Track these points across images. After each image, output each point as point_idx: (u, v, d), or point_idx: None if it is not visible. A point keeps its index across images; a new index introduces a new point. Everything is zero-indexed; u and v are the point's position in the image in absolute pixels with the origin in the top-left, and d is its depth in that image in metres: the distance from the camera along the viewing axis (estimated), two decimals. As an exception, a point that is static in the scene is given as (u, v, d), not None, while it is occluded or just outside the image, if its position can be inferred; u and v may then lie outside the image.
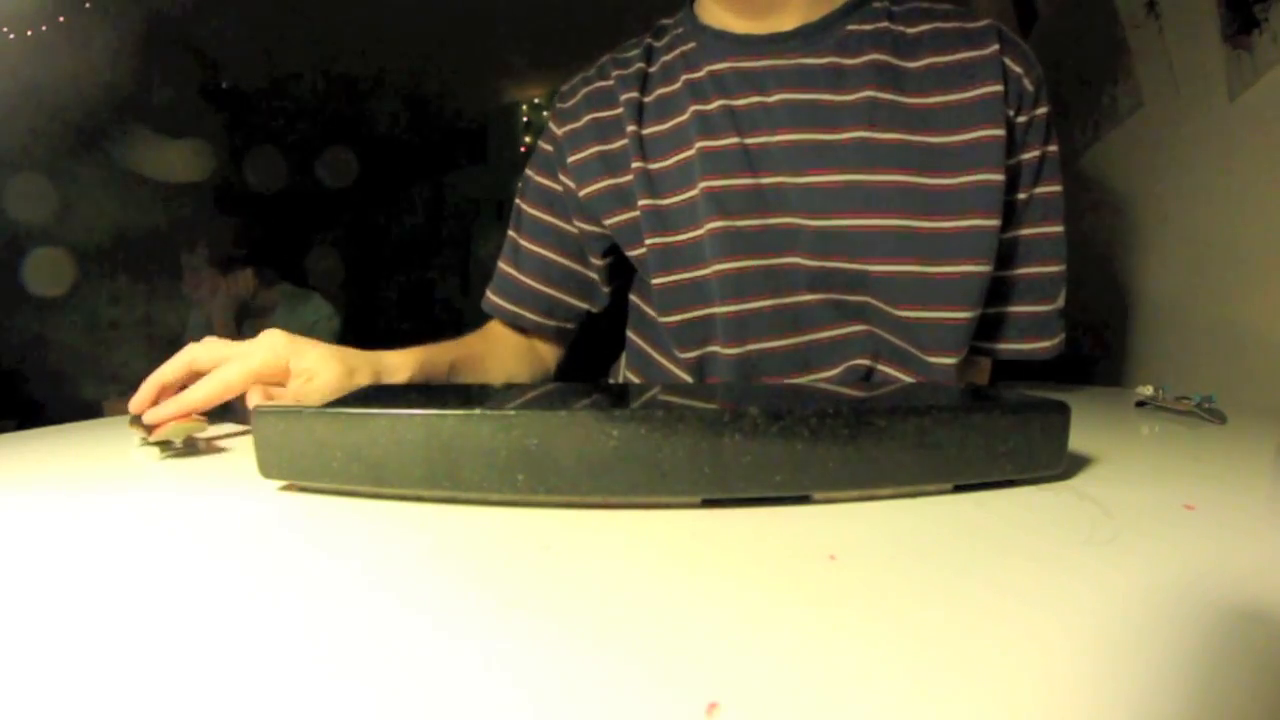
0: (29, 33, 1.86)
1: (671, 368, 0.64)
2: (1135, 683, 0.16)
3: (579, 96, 0.63)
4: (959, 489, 0.30)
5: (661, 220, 0.57)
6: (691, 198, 0.56)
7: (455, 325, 0.86)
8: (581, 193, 0.61)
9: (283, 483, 0.31)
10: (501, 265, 0.68)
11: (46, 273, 1.87)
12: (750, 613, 0.19)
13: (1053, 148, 0.55)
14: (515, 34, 2.70)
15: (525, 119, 3.62)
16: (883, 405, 0.29)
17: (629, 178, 0.58)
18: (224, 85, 2.50)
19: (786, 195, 0.53)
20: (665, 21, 0.64)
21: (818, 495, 0.28)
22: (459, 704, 0.15)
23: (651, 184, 0.57)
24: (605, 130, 0.60)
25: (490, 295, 0.69)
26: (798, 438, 0.27)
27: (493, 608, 0.19)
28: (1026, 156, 0.54)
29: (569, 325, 0.69)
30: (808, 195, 0.53)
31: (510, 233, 0.68)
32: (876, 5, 0.56)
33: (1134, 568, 0.22)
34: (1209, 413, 0.52)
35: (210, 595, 0.20)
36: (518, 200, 0.68)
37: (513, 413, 0.27)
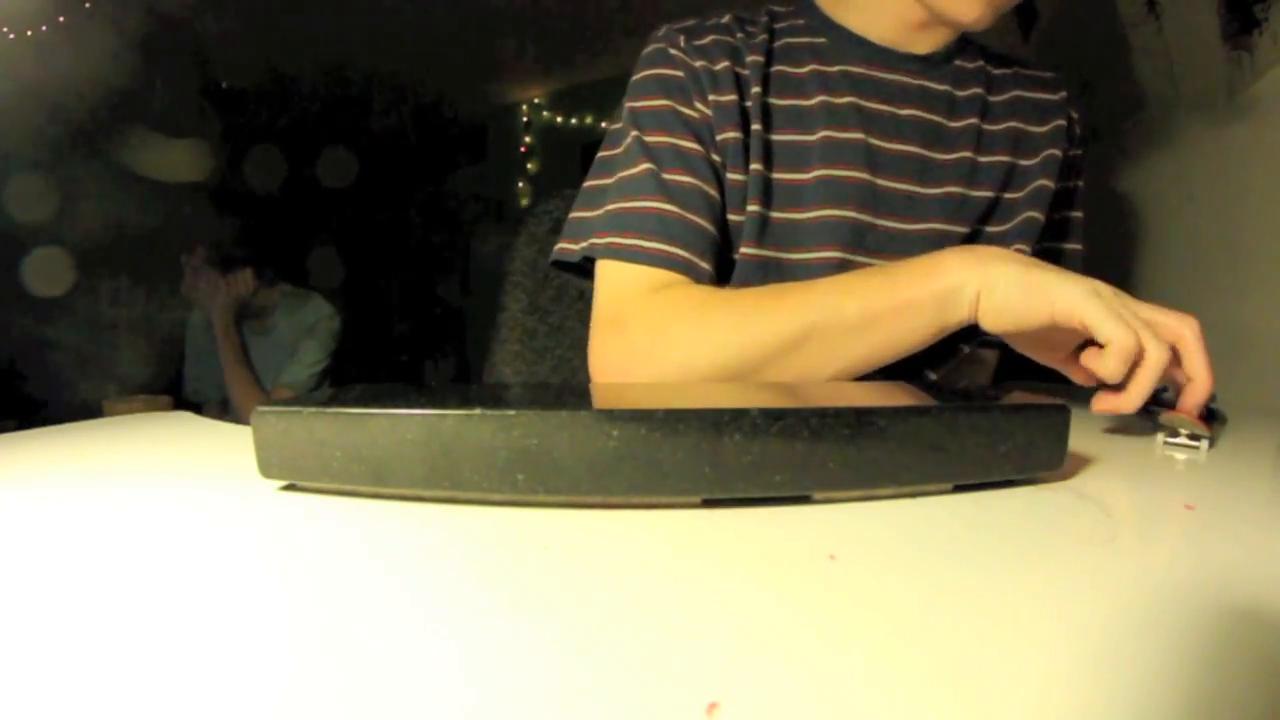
0: (29, 33, 1.86)
1: None
2: (1135, 682, 0.16)
3: (710, 39, 0.59)
4: (959, 489, 0.30)
5: (766, 193, 0.57)
6: (802, 180, 0.57)
7: (456, 325, 0.86)
8: (718, 136, 0.57)
9: (283, 483, 0.31)
10: (651, 204, 0.54)
11: (46, 273, 1.87)
12: (750, 613, 0.19)
13: (1083, 182, 0.66)
14: (515, 34, 2.70)
15: (525, 119, 3.62)
16: (883, 405, 0.29)
17: (746, 138, 0.57)
18: (224, 85, 2.49)
19: (895, 200, 0.58)
20: (776, 8, 0.65)
21: (818, 495, 0.28)
22: (459, 704, 0.15)
23: (766, 154, 0.58)
24: (739, 83, 0.58)
25: (657, 244, 0.54)
26: (798, 438, 0.27)
27: (493, 607, 0.19)
28: (1070, 185, 0.65)
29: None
30: (912, 202, 0.59)
31: (648, 167, 0.55)
32: (973, 47, 0.64)
33: (1134, 567, 0.22)
34: (1209, 413, 0.51)
35: (210, 595, 0.20)
36: (640, 135, 0.56)
37: (513, 413, 0.27)
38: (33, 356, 1.95)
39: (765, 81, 0.59)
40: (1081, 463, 0.35)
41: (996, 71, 0.64)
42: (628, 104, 0.59)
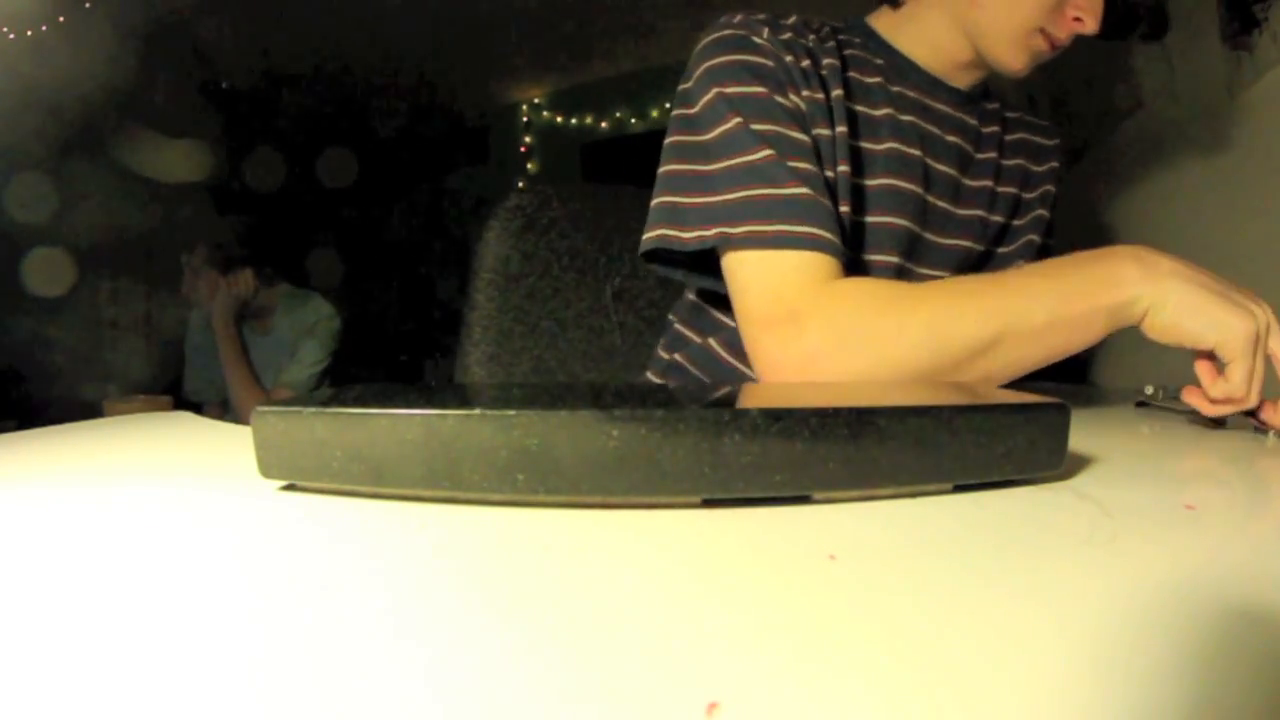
0: (29, 33, 1.86)
1: (742, 365, 0.62)
2: (1135, 683, 0.16)
3: (788, 36, 0.59)
4: (959, 489, 0.30)
5: (847, 194, 0.58)
6: (868, 186, 0.59)
7: (456, 325, 0.86)
8: (812, 130, 0.57)
9: (283, 483, 0.31)
10: (784, 191, 0.51)
11: (46, 273, 1.87)
12: (750, 613, 0.19)
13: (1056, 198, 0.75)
14: (515, 34, 2.70)
15: (525, 119, 3.62)
16: (883, 405, 0.29)
17: (827, 136, 0.57)
18: (224, 85, 2.50)
19: (937, 216, 0.64)
20: (831, 22, 0.65)
21: (818, 495, 0.28)
22: (459, 704, 0.15)
23: (852, 158, 0.59)
24: (822, 82, 0.58)
25: (806, 228, 0.51)
26: (798, 438, 0.27)
27: (492, 607, 0.19)
28: (1052, 197, 0.74)
29: None
30: (948, 220, 0.65)
31: (770, 153, 0.52)
32: (991, 92, 0.72)
33: (1134, 568, 0.22)
34: (1209, 413, 0.51)
35: (210, 595, 0.20)
36: (745, 122, 0.54)
37: (513, 413, 0.27)
38: (33, 356, 1.95)
39: (845, 86, 0.60)
40: (1081, 463, 0.35)
41: (1009, 115, 0.72)
42: (717, 89, 0.55)
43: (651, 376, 0.74)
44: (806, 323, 0.49)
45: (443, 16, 2.49)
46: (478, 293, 0.81)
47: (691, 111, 0.57)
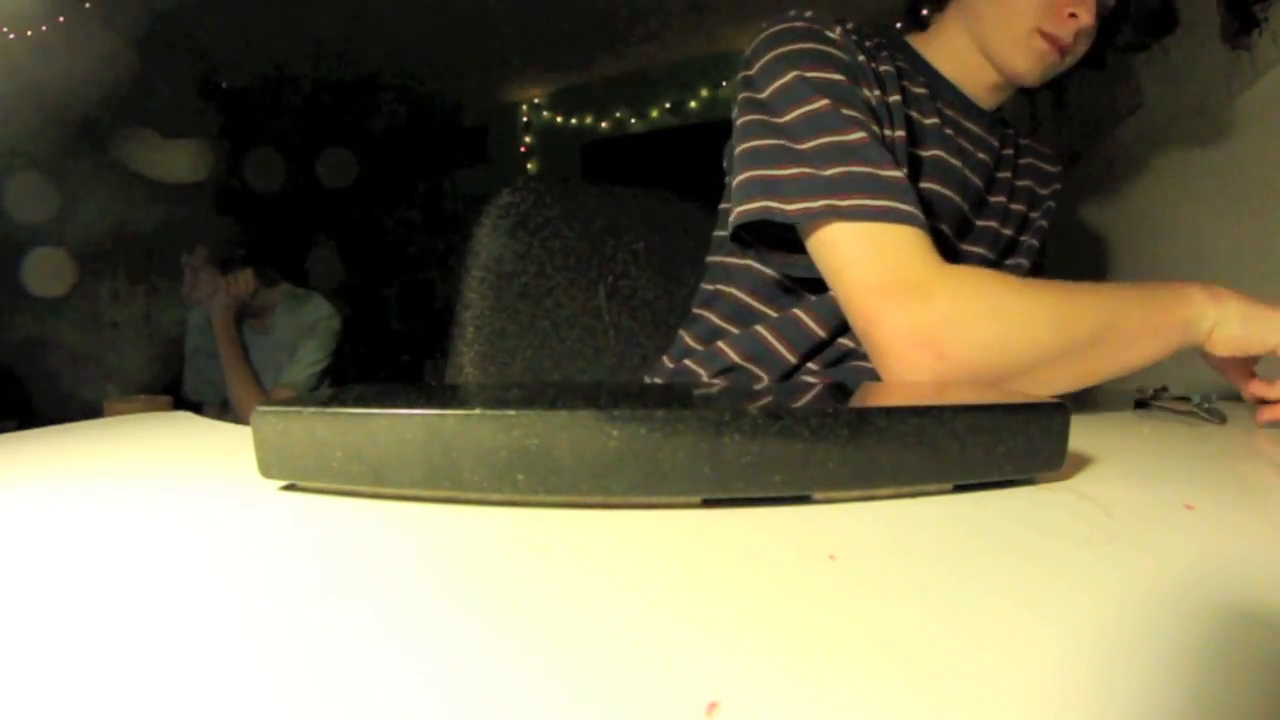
0: (29, 33, 1.86)
1: (789, 355, 0.63)
2: (1134, 683, 0.16)
3: (855, 37, 0.60)
4: (959, 489, 0.30)
5: None
6: (916, 188, 0.59)
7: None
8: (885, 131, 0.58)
9: (283, 483, 0.31)
10: (883, 173, 0.51)
11: (46, 273, 1.87)
12: (750, 613, 0.19)
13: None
14: (515, 34, 2.70)
15: (525, 119, 3.62)
16: (883, 405, 0.29)
17: (889, 137, 0.58)
18: (224, 85, 2.50)
19: (965, 225, 0.67)
20: (870, 32, 0.65)
21: (818, 495, 0.28)
22: (459, 704, 0.15)
23: (905, 158, 0.59)
24: (881, 83, 0.59)
25: (910, 207, 0.51)
26: (798, 438, 0.27)
27: (492, 608, 0.19)
28: (1052, 212, 0.78)
29: None
30: (970, 229, 0.68)
31: (863, 135, 0.53)
32: (1004, 119, 0.75)
33: (1134, 568, 0.22)
34: (1209, 413, 0.52)
35: (210, 596, 0.20)
36: (834, 104, 0.54)
37: (513, 413, 0.27)
38: (33, 356, 1.95)
39: (902, 91, 0.61)
40: (1081, 463, 0.35)
41: (1021, 141, 0.76)
42: (796, 72, 0.55)
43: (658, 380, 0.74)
44: (935, 292, 0.49)
45: (443, 16, 2.49)
46: (471, 291, 0.80)
47: (763, 95, 0.56)
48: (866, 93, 0.57)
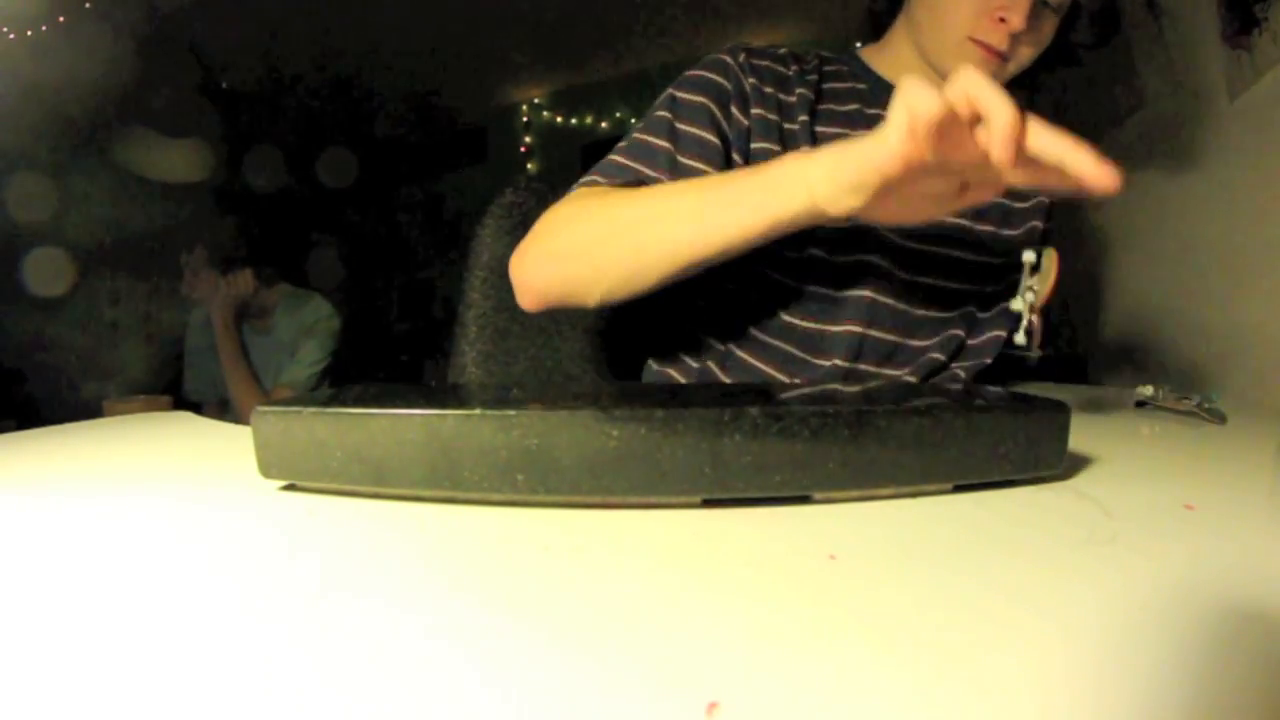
0: (29, 33, 1.86)
1: (762, 367, 0.66)
2: (1135, 682, 0.16)
3: (766, 64, 0.66)
4: (959, 489, 0.30)
5: None
6: None
7: (455, 325, 0.85)
8: (753, 144, 0.63)
9: (283, 483, 0.31)
10: (643, 169, 0.60)
11: (46, 273, 1.87)
12: (750, 612, 0.19)
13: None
14: (515, 34, 2.70)
15: (525, 119, 3.62)
16: (883, 405, 0.29)
17: (774, 151, 0.63)
18: (224, 85, 2.50)
19: (915, 228, 0.64)
20: (825, 54, 0.72)
21: (818, 495, 0.28)
22: (459, 704, 0.15)
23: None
24: (783, 108, 0.64)
25: (612, 178, 0.60)
26: (798, 438, 0.27)
27: (493, 607, 0.19)
28: (1047, 225, 0.75)
29: None
30: (927, 230, 0.65)
31: (659, 142, 0.61)
32: None
33: (1134, 568, 0.22)
34: (1209, 413, 0.52)
35: (210, 596, 0.20)
36: (669, 118, 0.62)
37: (513, 413, 0.27)
38: (33, 356, 1.95)
39: (813, 114, 0.65)
40: (1081, 463, 0.35)
41: None
42: (672, 90, 0.63)
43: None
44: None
45: (443, 16, 2.49)
46: (473, 291, 0.79)
47: (651, 111, 0.65)
48: (737, 112, 0.62)
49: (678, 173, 0.59)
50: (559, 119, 3.55)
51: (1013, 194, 0.70)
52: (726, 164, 0.62)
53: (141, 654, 0.17)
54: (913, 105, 0.38)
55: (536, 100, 3.59)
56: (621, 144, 0.63)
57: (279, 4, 2.26)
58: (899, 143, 0.39)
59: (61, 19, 1.88)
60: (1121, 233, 1.07)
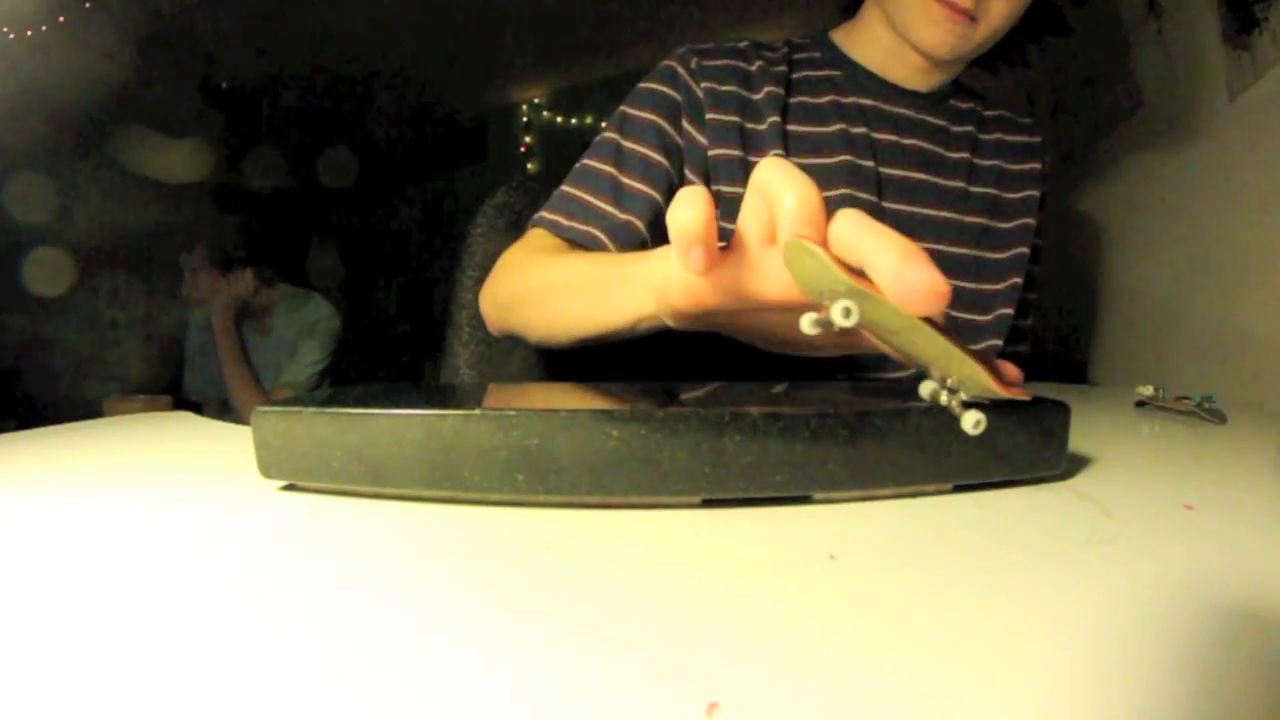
0: (29, 33, 1.85)
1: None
2: (1135, 683, 0.16)
3: (723, 63, 0.64)
4: (959, 489, 0.30)
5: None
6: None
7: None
8: (711, 152, 0.62)
9: (283, 483, 0.31)
10: (588, 198, 0.61)
11: (46, 273, 1.87)
12: (750, 612, 0.19)
13: (1044, 215, 0.74)
14: (515, 34, 2.70)
15: (525, 119, 3.62)
16: (883, 405, 0.29)
17: (747, 156, 0.63)
18: (224, 85, 2.49)
19: (899, 219, 0.64)
20: (796, 40, 0.70)
21: (818, 495, 0.28)
22: (459, 704, 0.15)
23: (739, 170, 0.62)
24: (746, 108, 0.63)
25: (563, 220, 0.60)
26: (798, 438, 0.27)
27: (492, 608, 0.19)
28: (1040, 218, 0.72)
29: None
30: (913, 223, 0.65)
31: (603, 167, 0.61)
32: (966, 91, 0.72)
33: (1134, 568, 0.22)
34: (1209, 413, 0.52)
35: (210, 596, 0.20)
36: (617, 138, 0.62)
37: (513, 413, 0.27)
38: (33, 356, 1.95)
39: (784, 111, 0.63)
40: (1081, 463, 0.35)
41: (987, 113, 0.71)
42: (624, 105, 0.64)
43: None
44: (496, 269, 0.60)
45: (442, 16, 2.49)
46: (466, 291, 0.78)
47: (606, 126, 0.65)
48: (689, 126, 0.62)
49: (621, 199, 0.60)
50: (559, 119, 3.55)
51: (994, 212, 0.68)
52: (678, 180, 0.62)
53: (141, 654, 0.17)
54: (673, 220, 0.28)
55: (536, 100, 3.59)
56: (575, 167, 0.63)
57: (279, 4, 2.26)
58: (679, 268, 0.30)
59: (61, 19, 1.88)
60: (1121, 233, 1.07)
